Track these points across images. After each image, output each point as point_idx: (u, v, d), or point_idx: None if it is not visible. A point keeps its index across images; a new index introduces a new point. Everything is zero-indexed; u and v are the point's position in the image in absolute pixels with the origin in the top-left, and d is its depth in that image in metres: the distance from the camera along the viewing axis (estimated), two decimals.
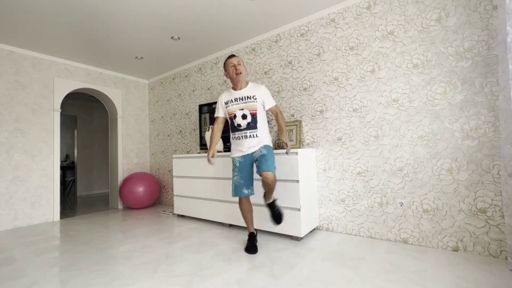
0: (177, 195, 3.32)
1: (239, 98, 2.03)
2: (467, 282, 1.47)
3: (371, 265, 1.74)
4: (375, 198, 2.27)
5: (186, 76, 4.04)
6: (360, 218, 2.34)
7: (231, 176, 2.18)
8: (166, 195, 4.30)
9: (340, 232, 2.44)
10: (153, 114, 4.63)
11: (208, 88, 3.70)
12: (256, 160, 2.00)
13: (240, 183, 2.03)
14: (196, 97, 3.86)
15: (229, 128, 2.12)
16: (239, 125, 2.01)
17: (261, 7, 2.50)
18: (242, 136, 2.02)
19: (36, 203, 3.27)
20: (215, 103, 2.95)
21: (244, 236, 2.41)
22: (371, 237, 2.28)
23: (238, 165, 2.05)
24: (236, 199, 2.42)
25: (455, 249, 1.92)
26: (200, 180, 3.04)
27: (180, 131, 4.11)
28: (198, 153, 3.41)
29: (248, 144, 2.01)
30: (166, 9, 2.49)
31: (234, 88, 2.09)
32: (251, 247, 2.03)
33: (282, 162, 2.31)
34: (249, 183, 2.06)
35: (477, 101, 1.86)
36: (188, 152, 3.96)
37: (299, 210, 2.21)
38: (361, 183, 2.34)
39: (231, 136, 2.12)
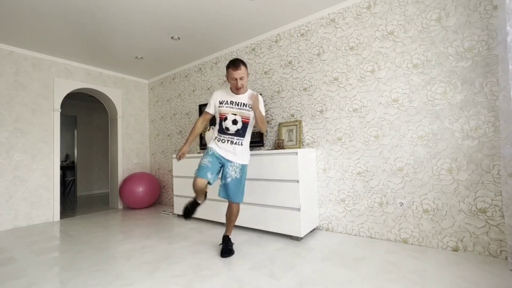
0: (177, 195, 3.32)
1: (236, 102, 1.98)
2: (467, 282, 1.47)
3: (371, 265, 1.74)
4: (375, 198, 2.26)
5: (186, 76, 4.04)
6: (360, 218, 2.34)
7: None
8: (166, 195, 4.30)
9: (340, 232, 2.44)
10: (153, 114, 4.63)
11: (208, 88, 3.70)
12: (227, 176, 1.96)
13: (207, 166, 1.91)
14: (196, 97, 3.86)
15: (216, 127, 2.06)
16: (227, 129, 1.97)
17: (261, 7, 2.50)
18: (228, 141, 1.97)
19: (36, 203, 3.27)
20: None
21: (245, 237, 2.41)
22: (371, 237, 2.28)
23: (211, 153, 1.97)
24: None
25: (455, 249, 1.92)
26: None
27: (180, 131, 4.11)
28: (198, 153, 3.41)
29: (231, 150, 1.97)
30: (166, 9, 2.49)
31: (233, 91, 2.01)
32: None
33: (281, 162, 2.31)
34: (215, 173, 1.95)
35: (477, 101, 1.86)
36: (188, 152, 3.96)
37: (299, 210, 2.21)
38: (361, 183, 2.34)
39: (215, 135, 2.04)
